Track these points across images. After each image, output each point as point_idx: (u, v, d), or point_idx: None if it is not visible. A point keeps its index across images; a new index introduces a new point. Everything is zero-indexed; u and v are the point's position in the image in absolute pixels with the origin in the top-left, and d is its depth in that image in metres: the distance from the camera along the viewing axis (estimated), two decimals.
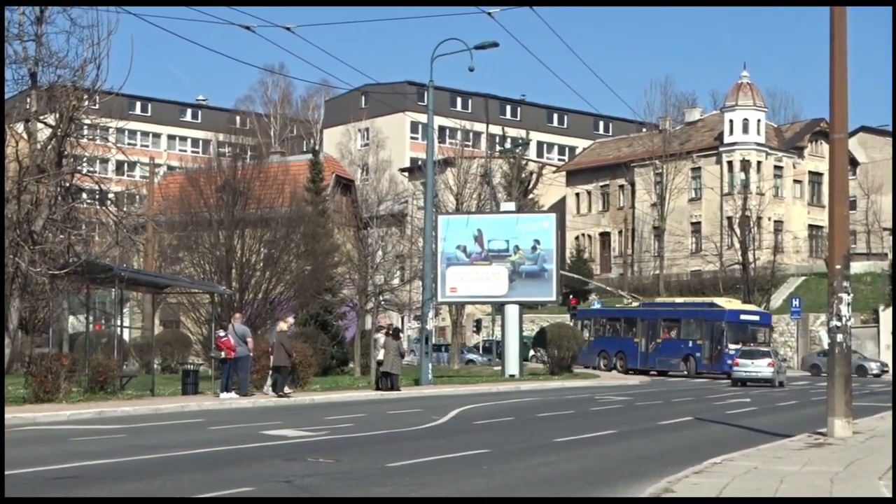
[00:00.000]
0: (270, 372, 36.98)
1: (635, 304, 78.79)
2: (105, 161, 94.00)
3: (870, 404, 37.40)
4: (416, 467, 17.37)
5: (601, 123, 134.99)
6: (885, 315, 79.23)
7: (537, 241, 56.40)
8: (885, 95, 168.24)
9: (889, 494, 13.96)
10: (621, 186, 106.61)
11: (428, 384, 46.63)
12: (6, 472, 15.01)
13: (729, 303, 70.94)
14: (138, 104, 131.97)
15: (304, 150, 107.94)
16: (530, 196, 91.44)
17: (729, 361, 63.26)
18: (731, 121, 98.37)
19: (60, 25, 33.28)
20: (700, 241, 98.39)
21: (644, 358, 70.37)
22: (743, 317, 68.37)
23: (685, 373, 68.42)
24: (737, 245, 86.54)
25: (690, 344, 68.66)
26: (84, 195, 40.41)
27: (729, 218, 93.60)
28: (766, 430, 25.17)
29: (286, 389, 36.64)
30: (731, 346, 65.14)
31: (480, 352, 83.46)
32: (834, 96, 22.38)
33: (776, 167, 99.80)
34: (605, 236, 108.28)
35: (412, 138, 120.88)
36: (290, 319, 40.39)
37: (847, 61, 22.38)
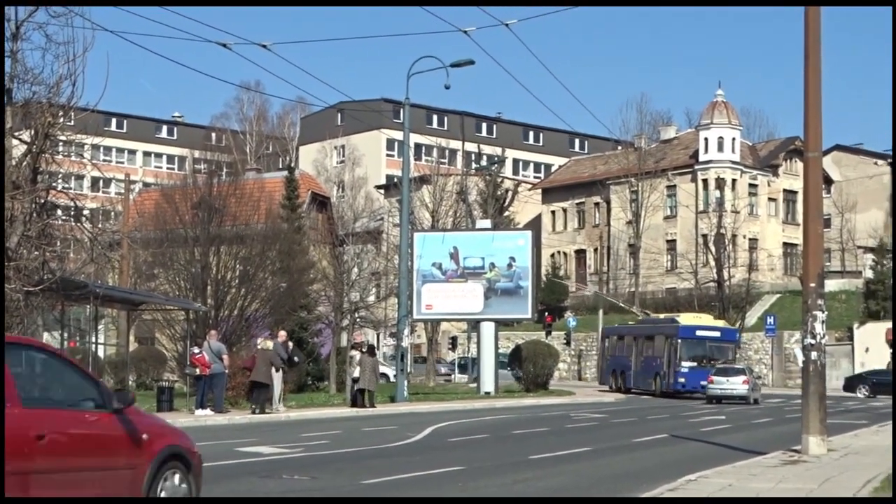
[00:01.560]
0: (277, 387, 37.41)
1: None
2: (80, 178, 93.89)
3: (844, 422, 37.53)
4: (391, 484, 17.39)
5: (577, 141, 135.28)
6: (860, 332, 79.52)
7: (513, 259, 56.43)
8: (859, 114, 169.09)
9: None
10: (597, 204, 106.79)
11: (403, 401, 46.62)
12: None
13: (696, 318, 67.60)
14: (114, 121, 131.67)
15: (280, 167, 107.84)
16: (506, 213, 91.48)
17: (681, 380, 62.14)
18: (706, 139, 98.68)
19: (36, 42, 33.15)
20: (675, 258, 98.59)
21: (634, 377, 68.68)
22: (700, 332, 63.88)
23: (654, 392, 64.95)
24: (712, 263, 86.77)
25: (657, 362, 65.46)
26: (59, 212, 40.22)
27: (704, 236, 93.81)
28: (741, 448, 25.23)
29: (275, 406, 36.89)
30: (685, 364, 62.42)
31: (456, 369, 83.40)
32: (808, 115, 22.49)
33: (751, 185, 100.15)
34: (580, 253, 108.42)
35: (388, 155, 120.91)
36: (283, 334, 40.38)
37: (821, 80, 22.50)
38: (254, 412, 36.08)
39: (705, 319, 66.99)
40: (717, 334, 64.62)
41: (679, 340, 63.53)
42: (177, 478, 12.04)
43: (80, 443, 11.03)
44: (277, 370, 37.60)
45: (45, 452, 10.47)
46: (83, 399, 11.56)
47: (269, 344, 38.45)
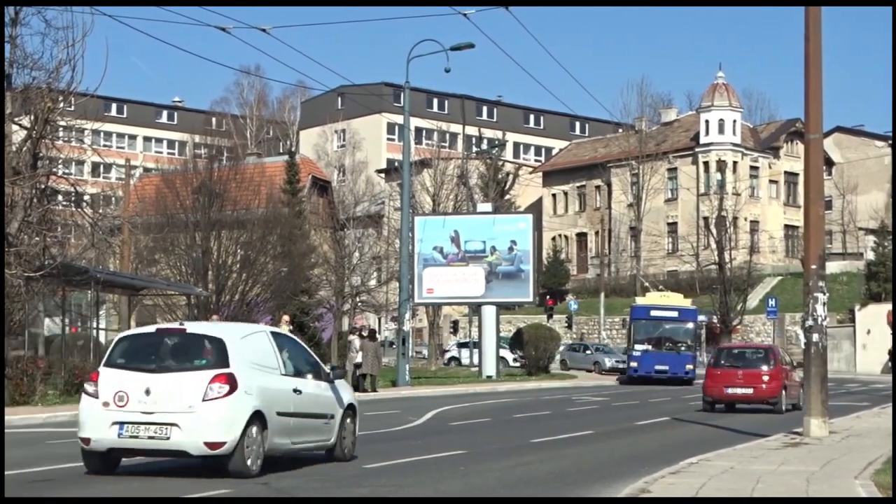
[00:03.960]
0: None
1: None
2: (81, 163, 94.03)
3: (846, 404, 37.52)
4: (393, 468, 17.39)
5: (577, 124, 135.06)
6: (861, 314, 79.48)
7: (514, 242, 56.42)
8: (860, 95, 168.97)
9: (864, 493, 14.01)
10: (598, 187, 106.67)
11: (405, 385, 46.65)
12: None
13: (663, 297, 63.59)
14: (114, 106, 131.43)
15: (281, 151, 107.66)
16: (507, 197, 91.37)
17: (633, 364, 58.24)
18: (706, 121, 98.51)
19: (35, 27, 33.15)
20: (676, 241, 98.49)
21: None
22: (654, 313, 59.71)
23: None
24: (713, 245, 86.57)
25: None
26: (59, 197, 40.28)
27: (705, 218, 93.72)
28: (743, 430, 25.25)
29: None
30: (638, 347, 58.30)
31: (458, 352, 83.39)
32: (809, 97, 22.45)
33: (752, 167, 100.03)
34: (581, 237, 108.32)
35: (388, 139, 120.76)
36: (286, 318, 40.42)
37: (822, 62, 22.46)
38: None
39: (672, 299, 62.96)
40: (675, 314, 59.92)
41: (632, 322, 60.31)
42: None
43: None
44: None
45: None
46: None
47: (286, 328, 38.56)
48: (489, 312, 56.65)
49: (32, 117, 33.02)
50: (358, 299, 63.05)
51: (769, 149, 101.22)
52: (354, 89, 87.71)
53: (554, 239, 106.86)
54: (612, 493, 14.42)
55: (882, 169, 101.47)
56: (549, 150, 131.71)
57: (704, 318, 79.98)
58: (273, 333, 18.00)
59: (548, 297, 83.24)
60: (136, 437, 15.57)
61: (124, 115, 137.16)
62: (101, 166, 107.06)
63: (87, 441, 15.86)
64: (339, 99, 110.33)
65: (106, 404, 15.70)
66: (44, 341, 42.51)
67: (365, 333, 43.17)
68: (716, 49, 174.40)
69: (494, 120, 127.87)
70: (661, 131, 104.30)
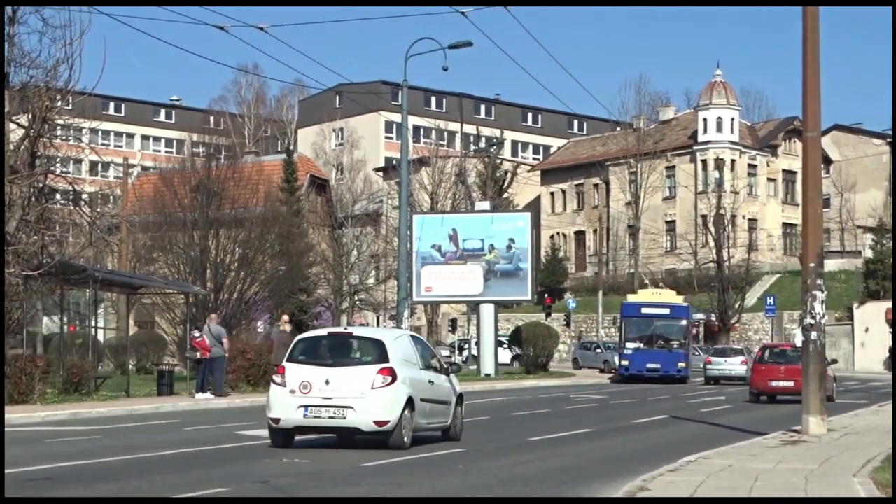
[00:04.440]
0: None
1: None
2: (78, 162, 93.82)
3: (844, 402, 37.57)
4: (391, 467, 17.38)
5: (575, 122, 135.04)
6: (860, 312, 79.51)
7: (512, 241, 56.41)
8: (858, 93, 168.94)
9: (863, 491, 14.00)
10: (596, 185, 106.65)
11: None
12: None
13: (655, 294, 63.00)
14: (112, 104, 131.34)
15: (279, 150, 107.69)
16: (505, 195, 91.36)
17: (624, 363, 57.80)
18: (704, 119, 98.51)
19: (32, 25, 33.11)
20: (675, 239, 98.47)
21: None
22: (645, 310, 58.93)
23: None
24: (711, 243, 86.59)
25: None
26: (58, 196, 40.24)
27: (703, 216, 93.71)
28: (741, 428, 25.25)
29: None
30: (629, 346, 57.86)
31: (458, 351, 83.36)
32: (807, 95, 22.45)
33: (750, 165, 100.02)
34: (580, 235, 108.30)
35: (387, 138, 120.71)
36: (285, 317, 40.42)
37: (820, 60, 22.45)
38: None
39: (664, 296, 62.46)
40: (666, 311, 59.24)
41: (623, 319, 59.79)
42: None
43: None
44: None
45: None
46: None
47: (288, 327, 38.67)
48: (487, 311, 56.63)
49: (30, 116, 33.00)
50: (356, 298, 63.07)
51: (767, 147, 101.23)
52: (352, 88, 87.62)
53: (552, 237, 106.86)
54: (611, 491, 14.41)
55: (880, 167, 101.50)
56: (547, 148, 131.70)
57: (703, 316, 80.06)
58: (412, 336, 22.91)
59: (546, 295, 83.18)
60: (318, 417, 19.75)
61: (122, 114, 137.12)
62: (99, 165, 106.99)
63: (276, 421, 20.02)
64: (337, 97, 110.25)
65: (292, 391, 19.81)
66: (42, 340, 42.53)
67: None
68: (714, 47, 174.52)
69: (492, 118, 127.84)
70: (660, 129, 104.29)
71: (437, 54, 48.02)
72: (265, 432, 21.22)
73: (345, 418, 19.70)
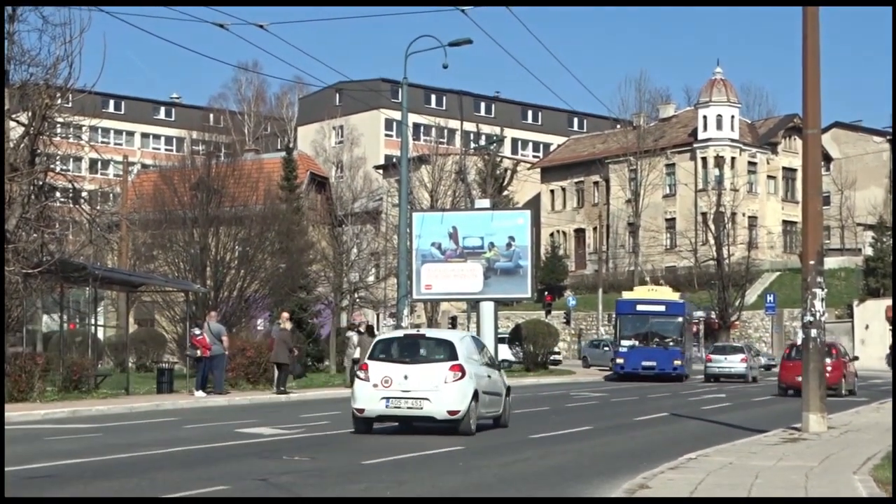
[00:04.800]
0: (276, 369, 37.51)
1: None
2: (78, 159, 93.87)
3: (845, 399, 37.58)
4: (391, 464, 17.37)
5: (575, 120, 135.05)
6: (860, 310, 79.54)
7: (512, 238, 56.30)
8: (858, 90, 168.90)
9: (863, 489, 13.98)
10: (596, 183, 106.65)
11: None
12: None
13: (650, 291, 62.88)
14: (111, 102, 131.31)
15: (279, 147, 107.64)
16: (505, 193, 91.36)
17: (619, 360, 57.77)
18: (704, 117, 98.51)
19: (32, 23, 33.08)
20: (675, 237, 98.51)
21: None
22: (640, 307, 58.84)
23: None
24: (711, 241, 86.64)
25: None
26: (57, 194, 40.22)
27: (703, 214, 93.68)
28: (741, 426, 25.26)
29: (284, 386, 37.10)
30: (624, 343, 57.85)
31: None
32: (807, 93, 22.44)
33: (750, 163, 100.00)
34: (579, 233, 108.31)
35: (386, 135, 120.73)
36: (285, 314, 40.45)
37: (819, 58, 22.44)
38: (280, 393, 36.47)
39: (660, 293, 62.30)
40: (662, 308, 59.00)
41: (618, 317, 59.60)
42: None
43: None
44: (291, 351, 38.08)
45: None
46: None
47: (288, 325, 38.78)
48: (487, 308, 56.52)
49: (30, 114, 32.99)
50: (356, 295, 62.92)
51: (767, 144, 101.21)
52: (352, 85, 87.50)
53: (552, 235, 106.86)
54: (612, 489, 14.39)
55: (880, 164, 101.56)
56: (547, 146, 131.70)
57: (703, 314, 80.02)
58: (472, 336, 26.49)
59: (546, 293, 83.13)
60: (398, 407, 22.50)
61: (122, 112, 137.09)
62: (99, 163, 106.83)
63: (361, 411, 22.70)
64: (337, 95, 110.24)
65: (375, 385, 22.51)
66: (42, 338, 42.53)
67: (363, 329, 43.12)
68: (714, 45, 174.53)
69: (492, 116, 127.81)
70: (660, 127, 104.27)
71: (437, 52, 47.94)
72: (265, 430, 21.21)
73: (421, 409, 22.48)
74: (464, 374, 22.61)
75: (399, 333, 26.75)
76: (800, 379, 39.11)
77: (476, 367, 23.53)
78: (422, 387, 22.45)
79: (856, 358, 49.09)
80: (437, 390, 22.41)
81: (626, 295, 62.62)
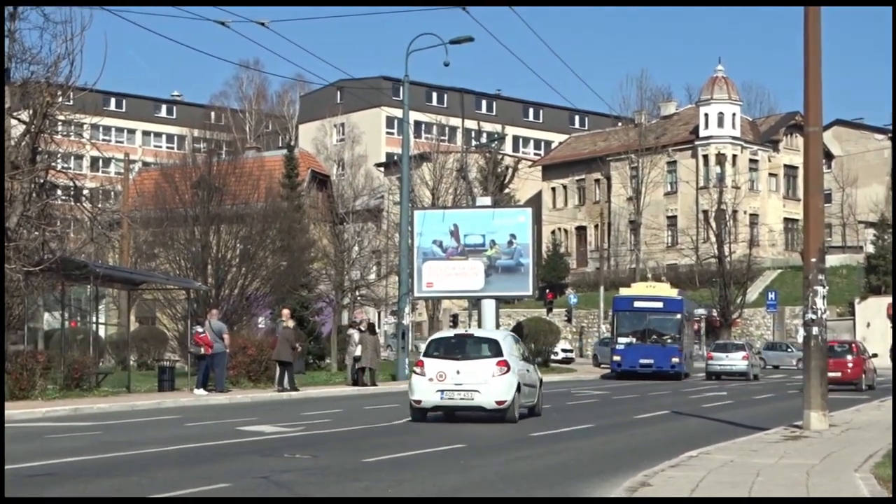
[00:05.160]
0: (278, 367, 37.52)
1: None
2: (80, 157, 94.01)
3: (846, 397, 37.57)
4: (392, 462, 17.36)
5: (577, 118, 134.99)
6: (861, 307, 79.52)
7: (513, 236, 56.28)
8: (859, 88, 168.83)
9: (864, 486, 13.97)
10: (597, 180, 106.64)
11: (405, 379, 46.61)
12: None
13: (649, 288, 62.31)
14: (112, 100, 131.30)
15: (280, 145, 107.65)
16: (506, 191, 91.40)
17: (616, 358, 57.20)
18: (706, 115, 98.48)
19: (33, 21, 33.08)
20: (676, 234, 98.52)
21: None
22: (637, 304, 58.29)
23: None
24: (713, 238, 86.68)
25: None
26: (59, 192, 40.27)
27: (705, 211, 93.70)
28: (743, 424, 25.23)
29: (285, 384, 37.11)
30: (621, 340, 57.17)
31: None
32: (808, 90, 22.42)
33: (751, 161, 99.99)
34: (581, 230, 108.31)
35: (388, 133, 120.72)
36: (286, 312, 40.46)
37: (821, 55, 22.42)
38: (282, 390, 36.50)
39: (658, 289, 61.70)
40: (659, 305, 58.33)
41: (615, 314, 59.00)
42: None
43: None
44: (294, 348, 38.12)
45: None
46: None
47: (291, 323, 38.79)
48: (489, 306, 56.51)
49: (31, 112, 32.98)
50: (357, 293, 62.95)
51: (769, 142, 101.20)
52: (353, 83, 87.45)
53: (553, 233, 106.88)
54: (612, 487, 14.37)
55: (881, 162, 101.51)
56: (548, 143, 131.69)
57: (704, 312, 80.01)
58: (512, 335, 29.19)
59: (547, 290, 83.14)
60: (451, 399, 25.44)
61: (123, 110, 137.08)
62: (100, 161, 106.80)
63: (418, 402, 25.60)
64: (339, 93, 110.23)
65: (430, 379, 25.38)
66: (43, 336, 42.55)
67: (364, 327, 43.13)
68: (715, 42, 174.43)
69: (494, 113, 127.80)
70: (661, 125, 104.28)
71: (439, 50, 48.05)
72: (266, 428, 21.19)
73: (472, 399, 25.36)
74: (509, 369, 25.37)
75: (450, 333, 30.04)
76: (832, 374, 44.10)
77: (517, 362, 26.22)
78: (472, 380, 25.25)
79: (874, 355, 50.45)
80: (486, 383, 25.21)
81: (624, 291, 62.19)
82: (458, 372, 25.34)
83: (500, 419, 25.32)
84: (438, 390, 25.38)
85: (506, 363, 25.41)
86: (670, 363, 55.93)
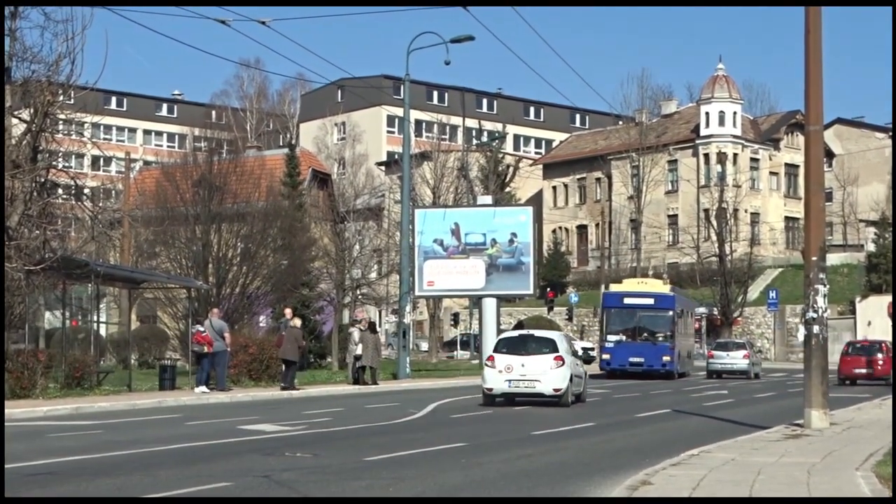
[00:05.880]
0: (283, 366, 37.64)
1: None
2: (80, 156, 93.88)
3: (847, 395, 37.56)
4: (393, 461, 17.36)
5: (578, 116, 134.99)
6: (862, 306, 79.49)
7: (514, 235, 56.27)
8: (860, 87, 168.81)
9: (865, 485, 13.97)
10: (598, 179, 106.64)
11: (406, 378, 46.64)
12: None
13: (640, 284, 60.59)
14: (113, 99, 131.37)
15: (281, 144, 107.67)
16: (507, 189, 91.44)
17: (605, 356, 55.88)
18: (707, 113, 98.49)
19: (34, 20, 33.23)
20: (677, 233, 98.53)
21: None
22: (627, 300, 56.30)
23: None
24: (714, 237, 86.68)
25: None
26: (60, 190, 40.24)
27: (706, 210, 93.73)
28: (744, 422, 25.22)
29: (291, 383, 37.21)
30: (610, 338, 55.63)
31: (458, 346, 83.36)
32: (809, 89, 22.41)
33: (752, 159, 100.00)
34: (582, 229, 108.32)
35: (388, 132, 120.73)
36: (289, 311, 40.48)
37: (822, 55, 22.41)
38: (286, 388, 36.54)
39: (649, 285, 59.88)
40: (650, 301, 56.10)
41: (604, 310, 57.56)
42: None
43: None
44: (300, 347, 38.23)
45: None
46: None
47: (298, 322, 38.83)
48: (490, 305, 56.52)
49: (32, 110, 32.99)
50: (358, 292, 63.01)
51: (769, 140, 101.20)
52: (354, 82, 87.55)
53: (554, 231, 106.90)
54: (613, 486, 14.36)
55: (882, 160, 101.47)
56: (549, 142, 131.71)
57: (705, 310, 80.00)
58: (565, 335, 35.59)
59: (548, 289, 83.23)
60: (517, 387, 30.85)
61: (124, 109, 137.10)
62: (101, 160, 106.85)
63: (490, 389, 31.16)
64: (339, 92, 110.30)
65: (500, 371, 30.80)
66: (44, 334, 42.61)
67: (365, 326, 43.13)
68: (716, 41, 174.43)
69: (494, 112, 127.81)
70: (662, 123, 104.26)
71: (439, 49, 48.06)
72: (267, 426, 21.17)
73: (534, 388, 30.74)
74: (564, 363, 30.73)
75: (515, 333, 35.04)
76: (857, 371, 50.82)
77: (570, 357, 31.61)
78: (534, 372, 30.58)
79: None
80: (546, 374, 30.54)
81: (614, 287, 60.78)
82: (522, 365, 30.62)
83: (556, 403, 30.58)
84: (507, 380, 30.76)
85: (561, 358, 30.72)
86: (661, 362, 54.53)
